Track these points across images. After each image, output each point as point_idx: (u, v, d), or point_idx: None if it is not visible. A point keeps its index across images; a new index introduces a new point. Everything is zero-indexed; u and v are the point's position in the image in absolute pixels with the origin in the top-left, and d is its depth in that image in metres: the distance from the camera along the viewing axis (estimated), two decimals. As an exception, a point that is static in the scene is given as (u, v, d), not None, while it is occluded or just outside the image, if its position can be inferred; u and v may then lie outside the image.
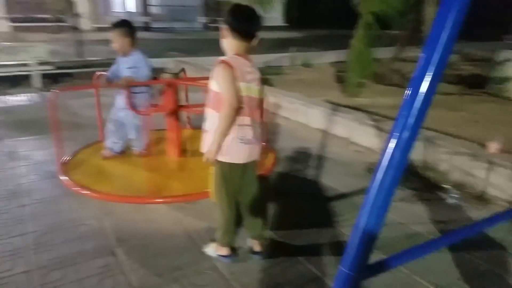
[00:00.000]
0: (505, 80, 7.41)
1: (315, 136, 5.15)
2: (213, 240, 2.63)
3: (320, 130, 5.32)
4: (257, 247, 2.59)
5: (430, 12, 7.38)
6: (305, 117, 5.62)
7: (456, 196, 3.40)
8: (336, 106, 5.37)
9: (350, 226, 2.95)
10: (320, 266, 2.51)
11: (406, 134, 1.05)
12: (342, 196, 3.50)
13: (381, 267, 1.32)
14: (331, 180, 3.79)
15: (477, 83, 7.94)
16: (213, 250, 2.61)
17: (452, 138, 4.09)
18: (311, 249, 2.70)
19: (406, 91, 0.91)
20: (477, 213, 3.17)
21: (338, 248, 2.70)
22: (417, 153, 3.96)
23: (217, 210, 2.49)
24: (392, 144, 1.01)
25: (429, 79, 1.10)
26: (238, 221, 2.52)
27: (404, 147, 1.03)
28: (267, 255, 2.57)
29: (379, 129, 4.54)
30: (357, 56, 6.76)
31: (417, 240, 2.72)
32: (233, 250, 2.58)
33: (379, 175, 1.15)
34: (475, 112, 5.95)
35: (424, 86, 1.05)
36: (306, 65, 10.46)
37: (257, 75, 2.32)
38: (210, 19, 23.74)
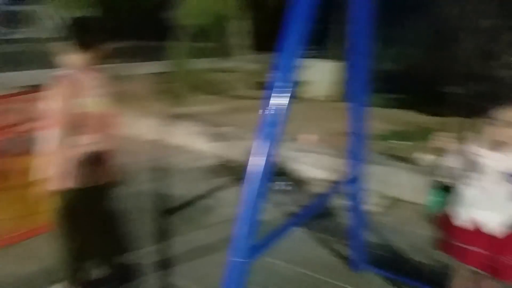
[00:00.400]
0: (305, 83, 8.82)
1: (150, 147, 5.15)
2: (57, 280, 2.30)
3: (154, 141, 5.34)
4: (107, 274, 2.32)
5: (234, 25, 8.16)
6: (136, 129, 5.54)
7: (287, 183, 3.96)
8: (167, 116, 5.49)
9: (205, 228, 3.12)
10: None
11: (268, 141, 1.35)
12: (191, 201, 3.68)
13: (259, 249, 1.55)
14: (177, 189, 3.88)
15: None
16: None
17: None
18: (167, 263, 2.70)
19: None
20: (306, 194, 3.76)
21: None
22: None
23: (57, 244, 2.18)
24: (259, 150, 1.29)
25: (284, 90, 1.41)
26: (84, 251, 2.24)
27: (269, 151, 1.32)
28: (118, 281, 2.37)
29: (211, 134, 4.87)
30: (177, 67, 6.93)
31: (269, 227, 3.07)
32: (86, 283, 2.30)
33: (251, 179, 1.39)
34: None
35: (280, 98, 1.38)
36: (120, 77, 10.10)
37: (101, 88, 2.10)
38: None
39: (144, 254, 2.71)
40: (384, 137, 4.97)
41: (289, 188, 3.92)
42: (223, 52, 9.43)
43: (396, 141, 4.81)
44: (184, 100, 7.11)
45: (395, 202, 3.61)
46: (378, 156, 3.97)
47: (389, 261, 2.72)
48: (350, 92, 2.23)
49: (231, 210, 3.19)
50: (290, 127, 5.53)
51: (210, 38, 8.75)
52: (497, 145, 1.83)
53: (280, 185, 3.96)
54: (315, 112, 7.09)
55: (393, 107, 6.73)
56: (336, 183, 2.31)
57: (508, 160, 1.81)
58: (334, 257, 2.79)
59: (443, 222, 2.04)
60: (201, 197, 3.78)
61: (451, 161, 1.96)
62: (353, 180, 2.33)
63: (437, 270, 2.48)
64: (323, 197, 2.77)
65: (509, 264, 1.84)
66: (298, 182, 4.04)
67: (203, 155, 4.89)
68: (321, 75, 8.71)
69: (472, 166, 1.87)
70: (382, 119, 5.44)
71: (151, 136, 5.37)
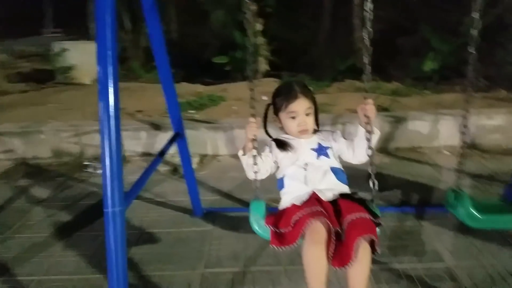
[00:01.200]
0: (69, 68, 8.24)
1: None
2: None
3: None
4: None
5: None
6: None
7: (99, 165, 3.96)
8: None
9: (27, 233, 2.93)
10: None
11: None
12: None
13: (130, 196, 1.75)
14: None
15: (45, 77, 8.35)
16: None
17: (61, 123, 4.48)
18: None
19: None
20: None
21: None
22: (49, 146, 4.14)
23: None
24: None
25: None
26: None
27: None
28: None
29: None
30: None
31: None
32: None
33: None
34: (61, 102, 6.37)
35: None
36: None
37: None
38: None
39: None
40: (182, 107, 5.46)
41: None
42: None
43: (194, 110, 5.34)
44: None
45: (203, 158, 4.16)
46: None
47: (219, 201, 3.26)
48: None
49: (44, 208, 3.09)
50: (75, 115, 5.26)
51: None
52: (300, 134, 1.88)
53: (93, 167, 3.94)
54: (89, 96, 6.63)
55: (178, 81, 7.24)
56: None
57: (312, 139, 1.89)
58: (178, 211, 3.14)
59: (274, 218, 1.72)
60: (6, 202, 3.38)
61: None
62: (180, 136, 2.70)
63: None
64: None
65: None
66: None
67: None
68: (84, 58, 8.25)
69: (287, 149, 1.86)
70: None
71: None
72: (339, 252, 1.51)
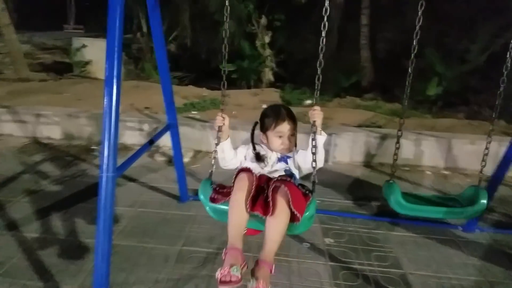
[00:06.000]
0: (86, 63, 8.79)
1: None
2: None
3: None
4: None
5: None
6: None
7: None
8: None
9: (36, 199, 3.34)
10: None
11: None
12: (14, 178, 3.73)
13: (123, 166, 2.13)
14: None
15: (63, 69, 8.90)
16: None
17: (74, 109, 4.94)
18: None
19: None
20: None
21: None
22: (62, 129, 4.58)
23: None
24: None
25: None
26: None
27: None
28: None
29: (6, 118, 4.84)
30: None
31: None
32: None
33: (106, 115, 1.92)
34: (75, 93, 6.87)
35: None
36: None
37: None
38: None
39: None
40: (186, 108, 5.90)
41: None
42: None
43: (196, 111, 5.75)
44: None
45: (197, 153, 4.55)
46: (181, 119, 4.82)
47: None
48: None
49: (52, 180, 3.52)
50: (84, 105, 5.74)
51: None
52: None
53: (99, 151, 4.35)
54: (101, 90, 7.09)
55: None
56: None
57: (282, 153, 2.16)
58: (168, 196, 3.52)
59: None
60: (21, 173, 3.82)
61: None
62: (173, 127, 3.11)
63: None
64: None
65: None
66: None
67: (11, 136, 4.77)
68: (100, 54, 8.81)
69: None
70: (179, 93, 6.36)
71: None
72: (265, 203, 1.85)
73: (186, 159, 4.29)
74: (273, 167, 2.15)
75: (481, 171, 2.48)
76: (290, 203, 1.80)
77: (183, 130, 4.21)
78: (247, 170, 1.97)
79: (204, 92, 7.30)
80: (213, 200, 2.02)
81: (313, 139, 2.00)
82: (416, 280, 2.49)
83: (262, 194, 1.91)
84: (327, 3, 2.00)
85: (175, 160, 3.29)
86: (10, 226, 2.91)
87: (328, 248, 2.83)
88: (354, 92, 8.05)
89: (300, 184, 2.06)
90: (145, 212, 3.21)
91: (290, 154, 2.18)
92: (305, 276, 2.47)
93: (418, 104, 6.99)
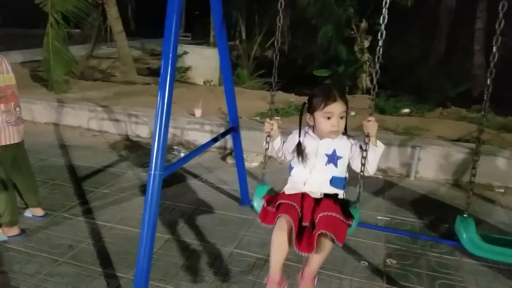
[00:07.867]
0: (186, 69, 9.42)
1: (47, 129, 5.35)
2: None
3: (50, 124, 5.51)
4: (40, 212, 3.09)
5: (113, 12, 8.20)
6: (30, 113, 5.59)
7: (183, 150, 4.64)
8: (58, 101, 5.66)
9: (114, 191, 3.65)
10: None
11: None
12: (101, 170, 4.14)
13: (171, 167, 2.22)
14: (84, 162, 4.28)
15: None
16: (2, 235, 2.76)
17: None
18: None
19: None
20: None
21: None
22: (149, 129, 4.98)
23: None
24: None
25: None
26: (15, 198, 2.85)
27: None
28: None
29: (104, 116, 5.35)
30: (55, 54, 6.77)
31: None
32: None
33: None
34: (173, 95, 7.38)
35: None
36: None
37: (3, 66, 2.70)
38: None
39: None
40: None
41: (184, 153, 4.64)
42: (98, 38, 9.44)
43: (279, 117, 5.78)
44: (66, 86, 7.01)
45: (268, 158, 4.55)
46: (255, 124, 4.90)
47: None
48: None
49: (133, 174, 3.83)
50: (178, 108, 6.14)
51: (80, 24, 8.67)
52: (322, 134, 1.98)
53: (179, 152, 4.65)
54: (195, 94, 7.52)
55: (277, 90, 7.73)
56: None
57: (332, 144, 1.99)
58: (231, 198, 3.61)
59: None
60: (107, 166, 4.25)
61: (277, 143, 2.18)
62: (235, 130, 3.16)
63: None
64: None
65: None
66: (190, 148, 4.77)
67: (106, 133, 5.30)
68: (200, 61, 9.41)
69: (303, 148, 2.03)
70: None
71: (47, 119, 5.59)
72: (307, 240, 1.78)
73: (255, 164, 4.34)
74: (317, 172, 1.99)
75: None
76: (335, 240, 1.77)
77: (256, 135, 4.30)
78: (289, 210, 1.86)
79: (291, 97, 7.28)
80: (261, 219, 2.00)
81: (365, 150, 1.89)
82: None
83: (306, 227, 1.83)
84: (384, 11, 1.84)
85: (236, 163, 3.35)
86: (87, 212, 3.26)
87: (388, 269, 2.64)
88: (462, 102, 7.29)
89: (342, 204, 1.92)
90: (206, 211, 3.32)
91: (341, 152, 1.99)
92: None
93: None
